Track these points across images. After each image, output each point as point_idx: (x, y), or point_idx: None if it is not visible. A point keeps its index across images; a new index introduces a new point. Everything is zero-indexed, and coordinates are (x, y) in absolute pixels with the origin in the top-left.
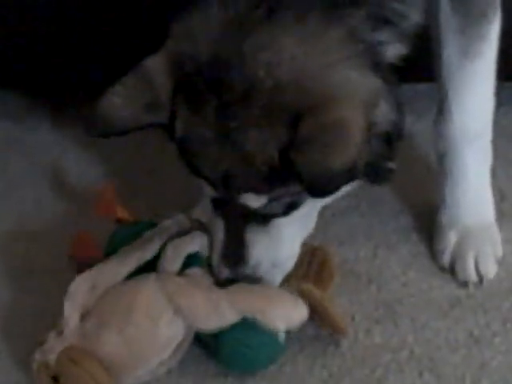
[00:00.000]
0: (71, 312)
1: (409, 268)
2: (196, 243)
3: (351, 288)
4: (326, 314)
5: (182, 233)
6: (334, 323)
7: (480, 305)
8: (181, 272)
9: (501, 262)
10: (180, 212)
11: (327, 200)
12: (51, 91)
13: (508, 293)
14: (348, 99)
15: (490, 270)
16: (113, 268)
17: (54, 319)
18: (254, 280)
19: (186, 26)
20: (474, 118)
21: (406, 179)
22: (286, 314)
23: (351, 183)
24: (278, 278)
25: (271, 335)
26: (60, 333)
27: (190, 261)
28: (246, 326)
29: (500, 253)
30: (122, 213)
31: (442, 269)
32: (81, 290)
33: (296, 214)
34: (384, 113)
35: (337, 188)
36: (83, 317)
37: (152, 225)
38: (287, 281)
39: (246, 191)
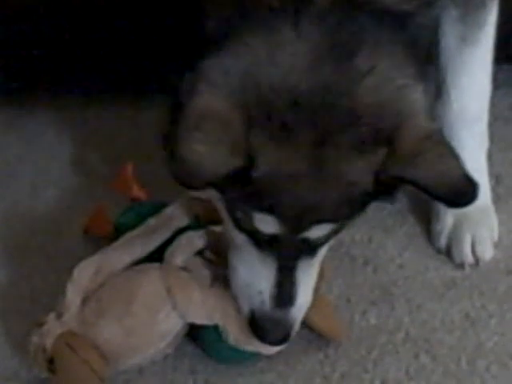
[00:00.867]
0: (73, 296)
1: (405, 250)
2: (205, 239)
3: (347, 270)
4: (314, 327)
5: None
6: (325, 334)
7: (476, 286)
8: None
9: (497, 245)
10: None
11: None
12: (50, 75)
13: (504, 274)
14: (421, 112)
15: (487, 252)
16: (117, 255)
17: (51, 300)
18: (293, 325)
19: (245, 54)
20: (472, 102)
21: None
22: None
23: None
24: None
25: None
26: (59, 315)
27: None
28: None
29: (496, 235)
30: (137, 192)
31: (438, 251)
32: (85, 274)
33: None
34: None
35: (477, 191)
36: (83, 301)
37: (164, 206)
38: None
39: (324, 222)
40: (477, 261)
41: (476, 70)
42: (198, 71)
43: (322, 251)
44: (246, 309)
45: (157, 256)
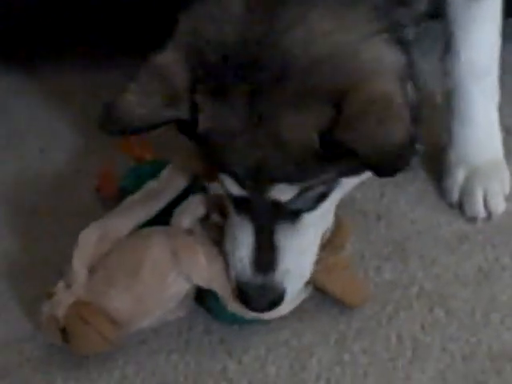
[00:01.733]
0: (80, 265)
1: (417, 205)
2: (212, 202)
3: (360, 227)
4: (326, 292)
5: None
6: (338, 299)
7: (488, 240)
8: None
9: (509, 198)
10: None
11: (348, 190)
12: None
13: None
14: (386, 73)
15: (499, 205)
16: (121, 221)
17: (62, 262)
18: (279, 293)
19: (199, 13)
20: (481, 56)
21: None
22: None
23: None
24: (299, 288)
25: None
26: (68, 285)
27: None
28: None
29: (508, 188)
30: (140, 152)
31: (450, 205)
32: (89, 242)
33: (321, 209)
34: (409, 90)
35: (407, 162)
36: (90, 270)
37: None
38: None
39: (279, 182)
40: (489, 214)
41: (485, 24)
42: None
43: (312, 218)
44: (232, 276)
45: (160, 219)
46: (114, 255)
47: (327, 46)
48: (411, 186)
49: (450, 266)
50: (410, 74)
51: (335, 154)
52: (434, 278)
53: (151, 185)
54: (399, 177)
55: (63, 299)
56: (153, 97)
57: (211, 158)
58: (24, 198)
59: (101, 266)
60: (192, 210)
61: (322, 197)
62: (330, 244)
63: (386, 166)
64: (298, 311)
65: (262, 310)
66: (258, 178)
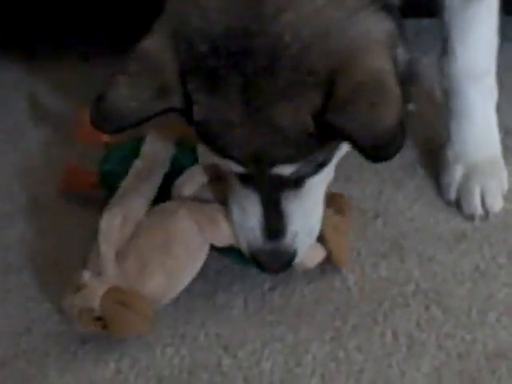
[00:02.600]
0: (107, 252)
1: (415, 203)
2: (211, 171)
3: (357, 223)
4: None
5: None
6: (334, 254)
7: (486, 238)
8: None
9: (506, 196)
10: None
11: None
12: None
13: None
14: (374, 48)
15: (496, 203)
16: (136, 202)
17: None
18: (291, 254)
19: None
20: (478, 57)
21: (412, 115)
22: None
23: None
24: (310, 244)
25: None
26: (96, 274)
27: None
28: None
29: (506, 187)
30: (97, 137)
31: (447, 203)
32: (113, 226)
33: (324, 172)
34: (400, 53)
35: (400, 146)
36: (117, 255)
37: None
38: None
39: (279, 163)
40: (486, 213)
41: (482, 25)
42: None
43: (315, 181)
44: (244, 245)
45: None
46: (142, 236)
47: (318, 25)
48: (409, 183)
49: (447, 264)
50: (399, 37)
51: (331, 134)
52: (430, 275)
53: (137, 164)
54: (398, 174)
55: (97, 289)
56: (144, 89)
57: (210, 144)
58: (25, 189)
59: (131, 248)
60: (193, 180)
61: (324, 163)
62: (333, 204)
63: (379, 149)
64: (295, 306)
65: (277, 272)
66: (259, 161)
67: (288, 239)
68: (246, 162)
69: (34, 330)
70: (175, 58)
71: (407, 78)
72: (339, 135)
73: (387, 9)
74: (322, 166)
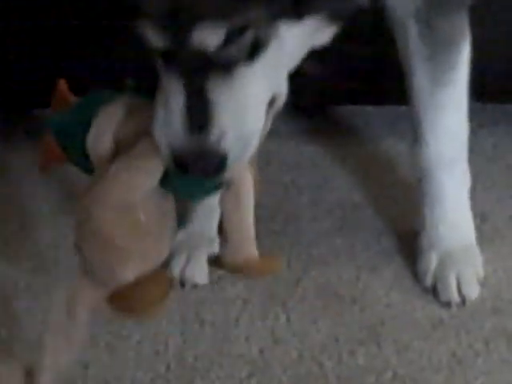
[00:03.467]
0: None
1: (392, 289)
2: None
3: (334, 310)
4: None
5: None
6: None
7: (463, 325)
8: None
9: (483, 283)
10: None
11: (293, 55)
12: None
13: (490, 313)
14: None
15: (473, 290)
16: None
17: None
18: (219, 154)
19: None
20: (449, 144)
21: (389, 201)
22: None
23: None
24: (244, 156)
25: None
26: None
27: None
28: None
29: (481, 274)
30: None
31: (424, 290)
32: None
33: (261, 64)
34: None
35: None
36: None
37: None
38: None
39: (200, 20)
40: (463, 300)
41: (451, 111)
42: None
43: (250, 73)
44: (164, 148)
45: None
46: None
47: None
48: (386, 269)
49: (424, 352)
50: None
51: None
52: (407, 363)
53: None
54: (375, 260)
55: None
56: None
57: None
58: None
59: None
60: (108, 126)
61: (257, 46)
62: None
63: None
64: None
65: (205, 175)
66: (177, 17)
67: (214, 135)
68: (164, 18)
69: None
70: None
71: None
72: None
73: None
74: (255, 50)
